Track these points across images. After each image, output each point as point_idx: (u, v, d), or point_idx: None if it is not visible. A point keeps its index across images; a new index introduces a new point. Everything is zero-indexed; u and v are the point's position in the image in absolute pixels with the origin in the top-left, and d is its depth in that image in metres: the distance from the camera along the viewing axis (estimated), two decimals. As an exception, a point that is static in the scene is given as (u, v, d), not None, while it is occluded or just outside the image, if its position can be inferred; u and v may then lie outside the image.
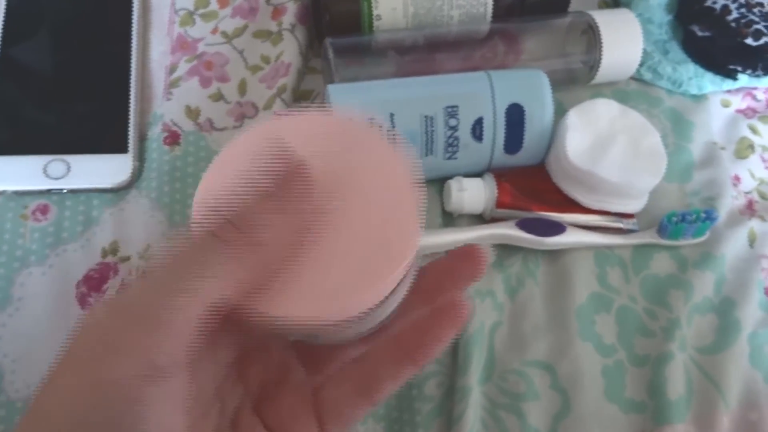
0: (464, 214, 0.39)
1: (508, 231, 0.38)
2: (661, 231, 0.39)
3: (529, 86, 0.39)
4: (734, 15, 0.43)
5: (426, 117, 0.37)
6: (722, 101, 0.45)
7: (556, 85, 0.44)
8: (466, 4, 0.42)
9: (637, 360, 0.37)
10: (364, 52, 0.42)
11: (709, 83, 0.45)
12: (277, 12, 0.43)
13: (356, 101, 0.37)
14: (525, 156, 0.39)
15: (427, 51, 0.43)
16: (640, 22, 0.44)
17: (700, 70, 0.45)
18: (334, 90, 0.37)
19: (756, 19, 0.43)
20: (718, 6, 0.43)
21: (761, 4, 0.44)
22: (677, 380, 0.36)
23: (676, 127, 0.44)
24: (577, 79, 0.44)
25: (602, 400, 0.35)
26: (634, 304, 0.38)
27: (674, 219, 0.39)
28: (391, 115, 0.37)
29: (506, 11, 0.43)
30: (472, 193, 0.38)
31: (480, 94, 0.38)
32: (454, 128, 0.38)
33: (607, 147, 0.39)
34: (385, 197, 0.22)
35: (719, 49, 0.44)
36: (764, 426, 0.36)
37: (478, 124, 0.38)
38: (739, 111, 0.45)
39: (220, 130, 0.39)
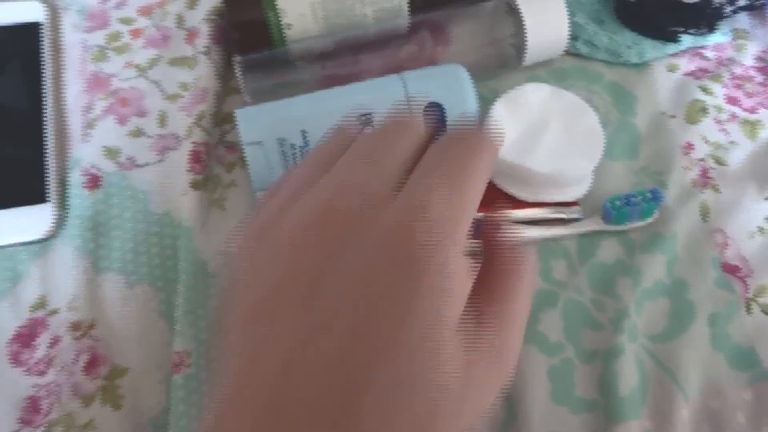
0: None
1: None
2: (606, 216, 0.38)
3: (446, 82, 0.37)
4: (666, -25, 0.40)
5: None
6: (668, 66, 0.43)
7: (490, 72, 0.43)
8: (378, 5, 0.40)
9: (586, 356, 0.35)
10: (279, 66, 0.40)
11: (651, 49, 0.42)
12: (191, 35, 0.42)
13: (265, 123, 0.36)
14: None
15: (349, 55, 0.41)
16: (571, -7, 0.42)
17: (638, 37, 0.42)
18: (242, 115, 0.36)
19: (691, -24, 0.41)
20: (646, -33, 0.40)
21: (695, -41, 0.41)
22: (629, 374, 0.34)
23: (619, 102, 0.42)
24: (508, 63, 0.42)
25: (549, 403, 0.34)
26: (581, 296, 0.37)
27: (618, 203, 0.37)
28: (303, 132, 0.36)
29: (425, 2, 0.42)
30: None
31: (394, 97, 0.37)
32: None
33: (538, 135, 0.37)
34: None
35: (655, 11, 0.41)
36: (728, 413, 0.34)
37: None
38: (688, 74, 0.43)
39: (142, 166, 0.39)
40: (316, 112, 0.37)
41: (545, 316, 0.36)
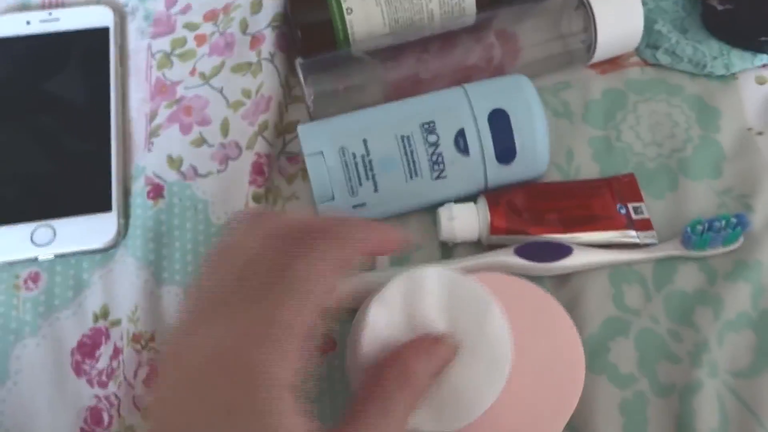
0: (459, 242, 0.36)
1: (506, 259, 0.35)
2: (686, 241, 0.35)
3: (510, 90, 0.36)
4: (759, -19, 0.38)
5: (402, 137, 0.35)
6: (757, 78, 0.40)
7: (559, 68, 0.41)
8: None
9: (662, 390, 0.33)
10: (342, 67, 0.39)
11: (738, 60, 0.39)
12: (255, 41, 0.41)
13: (327, 135, 0.35)
14: (523, 165, 0.36)
15: (414, 55, 0.40)
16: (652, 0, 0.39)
17: (726, 47, 0.39)
18: (305, 130, 0.35)
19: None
20: (738, -26, 0.38)
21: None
22: (708, 411, 0.32)
23: (701, 117, 0.39)
24: (576, 59, 0.40)
25: (621, 438, 0.32)
26: (657, 325, 0.35)
27: (699, 228, 0.35)
28: (365, 141, 0.35)
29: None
30: (464, 221, 0.35)
31: (457, 105, 0.36)
32: (434, 144, 0.35)
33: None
34: (552, 361, 0.27)
35: (744, 21, 0.38)
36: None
37: (461, 135, 0.35)
38: (776, 86, 0.40)
39: (204, 176, 0.38)
40: (378, 122, 0.36)
41: (616, 345, 0.34)
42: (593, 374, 0.33)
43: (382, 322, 0.28)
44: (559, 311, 0.31)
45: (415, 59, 0.40)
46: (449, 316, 0.28)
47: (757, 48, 0.39)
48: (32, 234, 0.36)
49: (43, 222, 0.36)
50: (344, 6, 0.38)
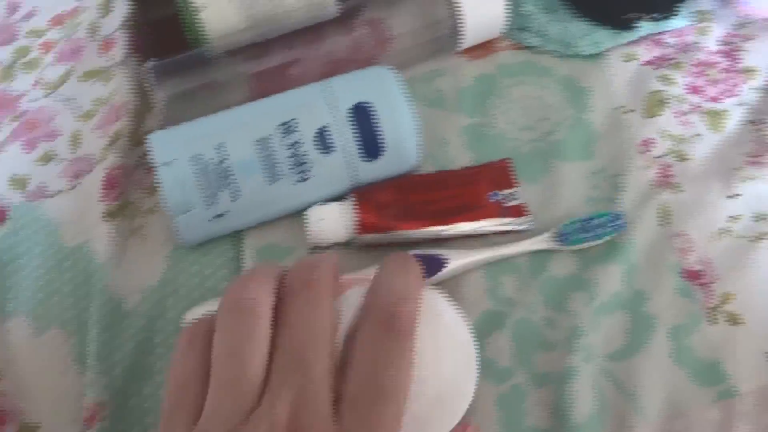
0: (330, 245, 0.35)
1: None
2: (560, 237, 0.35)
3: (373, 83, 0.35)
4: (617, -42, 0.37)
5: (260, 140, 0.33)
6: (625, 56, 0.40)
7: (431, 56, 0.40)
8: None
9: (539, 379, 0.33)
10: (200, 67, 0.37)
11: (606, 38, 0.39)
12: (106, 45, 0.38)
13: (180, 142, 0.33)
14: (392, 160, 0.35)
15: (277, 51, 0.38)
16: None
17: (593, 26, 0.39)
18: (156, 139, 0.33)
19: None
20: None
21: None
22: (584, 398, 0.32)
23: (572, 98, 0.39)
24: (446, 46, 0.39)
25: (498, 435, 0.32)
26: (533, 314, 0.34)
27: (576, 226, 0.34)
28: (220, 146, 0.33)
29: None
30: (332, 221, 0.34)
31: (317, 101, 0.34)
32: (295, 145, 0.34)
33: None
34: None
35: (609, 2, 0.38)
36: (692, 433, 0.32)
37: (322, 133, 0.34)
38: (646, 63, 0.40)
39: (53, 195, 0.36)
40: (234, 124, 0.34)
41: (493, 339, 0.34)
42: (472, 371, 0.33)
43: None
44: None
45: (280, 55, 0.39)
46: None
47: (622, 26, 0.39)
48: None
49: None
50: (195, 2, 0.36)
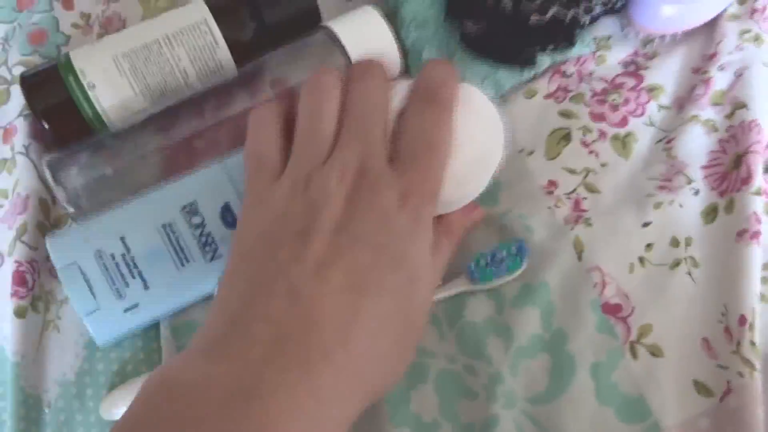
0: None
1: None
2: (472, 276, 0.35)
3: None
4: (505, -1, 0.37)
5: (164, 226, 0.33)
6: (527, 92, 0.40)
7: None
8: (197, 55, 0.37)
9: (464, 430, 0.33)
10: (103, 150, 0.37)
11: (507, 78, 0.39)
12: (7, 133, 0.38)
13: (80, 241, 0.33)
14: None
15: (183, 121, 0.38)
16: (414, 29, 0.39)
17: (493, 67, 0.39)
18: (53, 242, 0.33)
19: (533, -7, 0.37)
20: (483, -8, 0.37)
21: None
22: (508, 446, 0.32)
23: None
24: None
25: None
26: (453, 363, 0.34)
27: (482, 262, 0.34)
28: (123, 239, 0.33)
29: (245, 48, 0.38)
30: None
31: (217, 179, 0.34)
32: (200, 225, 0.34)
33: None
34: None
35: (506, 39, 0.38)
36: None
37: (227, 210, 0.34)
38: (548, 96, 0.39)
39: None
40: (136, 214, 0.34)
41: (417, 393, 0.34)
42: (398, 429, 0.33)
43: None
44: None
45: (189, 125, 0.38)
46: None
47: (522, 62, 0.39)
48: None
49: None
50: (84, 83, 0.36)
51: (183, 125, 0.38)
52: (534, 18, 0.37)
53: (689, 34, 0.40)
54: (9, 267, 0.35)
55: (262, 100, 0.39)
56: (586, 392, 0.33)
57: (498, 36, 0.38)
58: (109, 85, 0.36)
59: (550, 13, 0.37)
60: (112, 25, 0.41)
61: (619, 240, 0.36)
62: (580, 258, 0.36)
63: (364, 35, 0.37)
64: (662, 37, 0.40)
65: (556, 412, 0.33)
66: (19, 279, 0.35)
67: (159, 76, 0.37)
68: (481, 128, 0.32)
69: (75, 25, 0.41)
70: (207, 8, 0.37)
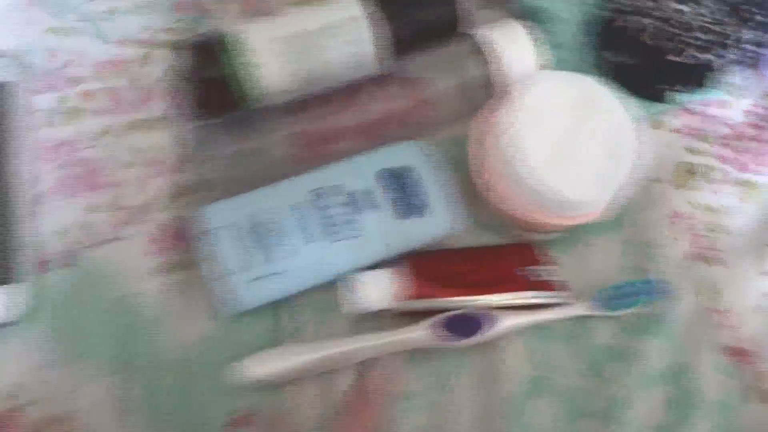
0: (370, 312, 0.35)
1: (422, 335, 0.34)
2: (598, 303, 0.35)
3: (399, 152, 0.37)
4: (650, 31, 0.38)
5: (293, 206, 0.35)
6: (653, 123, 0.41)
7: (463, 116, 0.40)
8: (347, 49, 0.38)
9: (580, 449, 0.33)
10: (246, 125, 0.37)
11: (637, 109, 0.40)
12: (146, 97, 0.38)
13: (220, 216, 0.34)
14: (425, 219, 0.35)
15: (318, 109, 0.39)
16: (552, 49, 0.40)
17: (625, 95, 0.40)
18: (196, 213, 0.34)
19: (676, 31, 0.38)
20: (629, 24, 0.38)
21: (680, 11, 0.39)
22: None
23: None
24: (478, 104, 0.40)
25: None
26: (573, 380, 0.35)
27: (610, 294, 0.35)
28: (258, 215, 0.34)
29: (391, 46, 0.39)
30: (371, 288, 0.34)
31: (346, 170, 0.36)
32: (325, 207, 0.35)
33: (562, 145, 0.33)
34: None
35: (640, 72, 0.39)
36: None
37: (352, 196, 0.35)
38: (674, 131, 0.41)
39: (97, 245, 0.35)
40: (269, 196, 0.35)
41: (534, 404, 0.34)
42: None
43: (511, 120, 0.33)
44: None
45: (321, 111, 0.39)
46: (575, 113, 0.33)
47: (653, 97, 0.40)
48: None
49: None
50: (245, 60, 0.36)
51: (316, 112, 0.39)
52: (670, 57, 0.39)
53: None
54: (146, 226, 0.35)
55: (390, 95, 0.40)
56: (704, 430, 0.33)
57: (635, 69, 0.39)
58: (266, 65, 0.37)
59: (686, 54, 0.39)
60: (252, 2, 0.42)
61: (740, 284, 0.36)
62: (701, 295, 0.36)
63: (507, 47, 0.38)
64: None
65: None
66: (155, 239, 0.35)
67: (312, 63, 0.38)
68: (616, 140, 0.33)
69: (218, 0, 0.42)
70: (361, 6, 0.38)
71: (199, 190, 0.37)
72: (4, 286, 0.34)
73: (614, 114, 0.33)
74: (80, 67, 0.39)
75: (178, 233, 0.37)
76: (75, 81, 0.39)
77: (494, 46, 0.38)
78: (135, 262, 0.35)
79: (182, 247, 0.36)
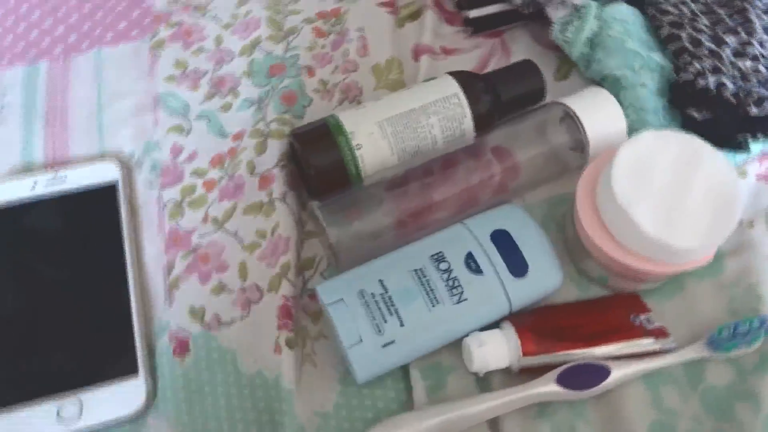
0: (491, 371, 0.37)
1: (548, 389, 0.35)
2: (712, 345, 0.36)
3: (503, 215, 0.40)
4: (731, 89, 0.41)
5: (416, 270, 0.37)
6: (739, 172, 0.43)
7: (553, 178, 0.43)
8: (446, 124, 0.41)
9: (716, 495, 0.34)
10: (355, 201, 0.40)
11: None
12: (265, 181, 0.42)
13: (345, 285, 0.36)
14: (537, 276, 0.37)
15: (420, 180, 0.41)
16: (634, 112, 0.42)
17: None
18: (322, 287, 0.36)
19: (755, 87, 0.41)
20: (712, 85, 0.41)
21: (757, 71, 0.42)
22: None
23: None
24: (570, 165, 0.42)
25: None
26: (700, 425, 0.35)
27: (725, 332, 0.36)
28: (381, 281, 0.36)
29: (485, 119, 0.42)
30: (494, 347, 0.36)
31: (459, 235, 0.39)
32: (447, 270, 0.37)
33: (671, 199, 0.35)
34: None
35: (722, 126, 0.41)
36: None
37: (470, 258, 0.37)
38: (759, 177, 0.43)
39: (228, 324, 0.38)
40: (389, 263, 0.38)
41: (664, 452, 0.35)
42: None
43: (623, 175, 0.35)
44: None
45: (421, 185, 0.42)
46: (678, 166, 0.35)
47: (737, 147, 0.42)
48: (59, 411, 0.35)
49: (69, 396, 0.35)
50: (353, 143, 0.40)
51: (416, 185, 0.42)
52: (753, 110, 0.41)
53: None
54: (274, 302, 0.38)
55: (485, 165, 0.42)
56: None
57: (718, 123, 0.41)
58: (372, 146, 0.40)
59: (765, 105, 0.41)
60: (351, 91, 0.46)
61: None
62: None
63: (598, 114, 0.41)
64: None
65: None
66: (286, 312, 0.37)
67: (414, 140, 0.41)
68: (721, 189, 0.35)
69: (315, 90, 0.46)
70: (458, 84, 0.42)
71: (320, 265, 0.40)
72: (133, 376, 0.36)
73: (716, 165, 0.35)
74: (202, 159, 0.43)
75: (305, 307, 0.39)
76: (198, 173, 0.43)
77: (583, 110, 0.41)
78: (266, 338, 0.37)
79: (309, 319, 0.38)
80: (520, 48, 0.48)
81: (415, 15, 0.50)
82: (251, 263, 0.39)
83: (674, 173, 0.35)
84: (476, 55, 0.48)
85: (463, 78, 0.43)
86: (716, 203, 0.34)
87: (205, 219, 0.41)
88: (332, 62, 0.47)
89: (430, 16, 0.49)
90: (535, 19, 0.47)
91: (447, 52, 0.48)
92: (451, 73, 0.43)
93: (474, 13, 0.48)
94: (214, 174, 0.43)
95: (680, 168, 0.35)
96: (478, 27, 0.49)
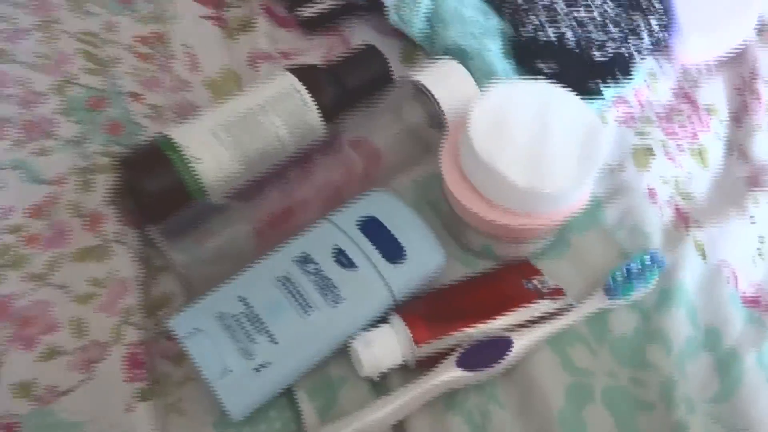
0: (386, 372, 0.32)
1: (450, 376, 0.31)
2: (609, 293, 0.34)
3: (372, 201, 0.36)
4: (572, 38, 0.40)
5: (279, 279, 0.32)
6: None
7: (418, 159, 0.40)
8: (290, 120, 0.38)
9: (652, 447, 0.30)
10: (204, 219, 0.35)
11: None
12: (95, 221, 0.36)
13: (200, 312, 0.31)
14: (416, 258, 0.34)
15: (277, 186, 0.37)
16: (485, 78, 0.41)
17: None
18: (174, 320, 0.31)
19: (594, 33, 0.41)
20: (553, 36, 0.40)
21: (593, 18, 0.41)
22: (705, 452, 0.29)
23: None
24: (433, 145, 0.40)
25: None
26: (616, 378, 0.32)
27: (619, 276, 0.34)
28: (242, 299, 0.31)
29: (331, 108, 0.39)
30: (382, 344, 0.31)
31: (324, 230, 0.34)
32: (316, 271, 0.32)
33: (531, 143, 0.32)
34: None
35: (572, 75, 0.40)
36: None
37: (339, 253, 0.33)
38: (619, 119, 0.42)
39: (67, 392, 0.31)
40: (249, 277, 0.33)
41: (587, 412, 0.31)
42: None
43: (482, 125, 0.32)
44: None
45: (279, 191, 0.38)
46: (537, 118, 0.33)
47: (589, 93, 0.41)
48: None
49: None
50: (188, 157, 0.35)
51: (274, 192, 0.38)
52: (596, 55, 0.41)
53: (722, 62, 0.44)
54: (119, 354, 0.31)
55: (341, 158, 0.39)
56: (759, 382, 0.32)
57: (567, 73, 0.40)
58: (210, 157, 0.36)
59: (608, 50, 0.41)
60: (185, 110, 0.42)
61: (733, 237, 0.36)
62: (704, 257, 0.36)
63: (448, 82, 0.39)
64: (699, 66, 0.44)
65: (738, 407, 0.31)
66: (135, 362, 0.31)
67: (257, 142, 0.37)
68: (583, 131, 0.33)
69: (147, 116, 0.41)
70: (294, 76, 0.39)
71: (176, 300, 0.35)
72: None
73: (571, 106, 0.34)
74: (17, 213, 0.36)
75: (165, 351, 0.33)
76: (15, 229, 0.36)
77: (433, 83, 0.39)
78: (115, 398, 0.31)
79: (170, 363, 0.32)
80: (361, 41, 0.46)
81: (247, 26, 0.47)
82: (88, 317, 0.33)
83: (532, 121, 0.33)
84: (318, 54, 0.46)
85: (300, 70, 0.39)
86: (579, 143, 0.33)
87: (24, 278, 0.34)
88: (162, 85, 0.43)
89: (262, 23, 0.46)
90: (371, 10, 0.46)
91: (286, 55, 0.45)
92: (287, 68, 0.40)
93: (308, 13, 0.46)
94: (35, 227, 0.36)
95: (537, 115, 0.33)
96: (313, 25, 0.46)
